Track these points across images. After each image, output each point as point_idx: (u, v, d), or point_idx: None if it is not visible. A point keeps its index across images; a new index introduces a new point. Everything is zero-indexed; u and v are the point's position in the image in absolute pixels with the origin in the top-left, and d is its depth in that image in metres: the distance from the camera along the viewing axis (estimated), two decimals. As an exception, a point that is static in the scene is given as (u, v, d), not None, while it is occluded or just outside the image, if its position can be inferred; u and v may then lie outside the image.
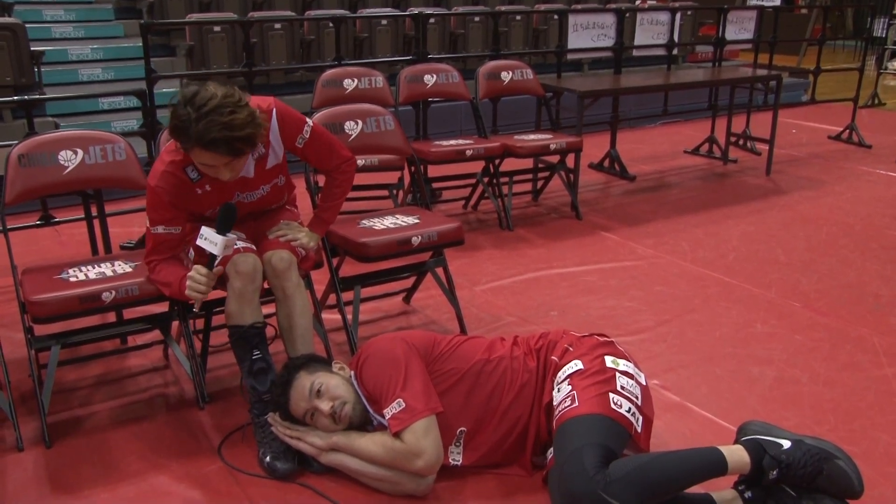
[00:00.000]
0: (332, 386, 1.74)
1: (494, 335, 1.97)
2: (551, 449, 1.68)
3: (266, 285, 1.97)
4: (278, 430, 1.80)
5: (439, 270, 2.65)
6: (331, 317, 2.66)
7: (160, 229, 1.78)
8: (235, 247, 1.89)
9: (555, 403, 1.67)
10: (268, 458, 1.80)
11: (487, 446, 1.77)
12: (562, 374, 1.72)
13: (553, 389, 1.72)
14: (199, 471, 1.83)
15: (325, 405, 1.72)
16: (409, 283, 2.91)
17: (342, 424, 1.74)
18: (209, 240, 1.72)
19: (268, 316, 2.10)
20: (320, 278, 2.63)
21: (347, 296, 2.52)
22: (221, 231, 1.72)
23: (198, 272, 1.75)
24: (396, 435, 1.66)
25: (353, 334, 2.38)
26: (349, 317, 2.43)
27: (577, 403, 1.59)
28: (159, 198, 1.77)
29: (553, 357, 1.79)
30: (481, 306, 2.87)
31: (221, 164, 1.71)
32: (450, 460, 1.77)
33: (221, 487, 1.77)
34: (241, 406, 2.09)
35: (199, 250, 1.84)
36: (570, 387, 1.65)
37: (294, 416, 1.78)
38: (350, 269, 2.68)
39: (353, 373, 1.79)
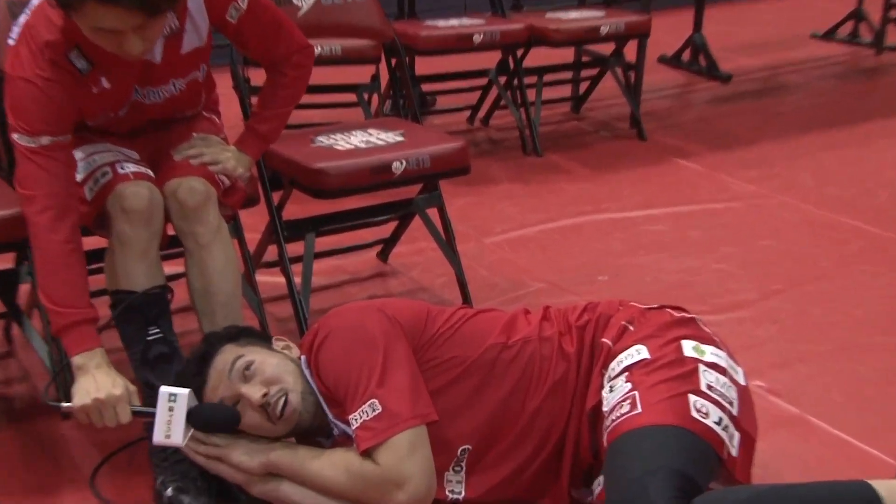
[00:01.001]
0: (269, 366, 1.72)
1: (515, 308, 1.91)
2: (600, 478, 1.69)
3: (170, 231, 1.96)
4: (188, 446, 1.78)
5: (432, 213, 2.63)
6: (269, 279, 2.66)
7: (45, 140, 1.69)
8: (122, 171, 1.86)
9: (605, 409, 1.65)
10: (169, 491, 1.79)
11: (503, 473, 1.76)
12: (617, 366, 1.70)
13: (603, 388, 1.70)
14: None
15: (254, 391, 1.69)
16: (386, 231, 2.90)
17: (283, 427, 1.72)
18: (171, 418, 1.68)
19: (172, 278, 2.07)
20: (254, 223, 2.60)
21: (295, 249, 2.49)
22: (205, 425, 1.72)
23: (118, 402, 1.70)
24: (367, 453, 1.63)
25: (304, 306, 2.37)
26: (297, 280, 2.41)
27: (639, 409, 1.57)
28: (41, 91, 1.68)
29: (604, 339, 1.76)
30: (495, 266, 2.87)
31: (130, 30, 1.62)
32: (446, 493, 1.76)
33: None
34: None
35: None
36: (629, 384, 1.63)
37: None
38: (299, 208, 2.63)
39: (304, 357, 1.78)
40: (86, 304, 1.74)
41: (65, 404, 1.72)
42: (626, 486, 1.48)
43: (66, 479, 1.88)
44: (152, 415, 1.68)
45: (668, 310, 1.80)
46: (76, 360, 1.72)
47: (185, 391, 1.68)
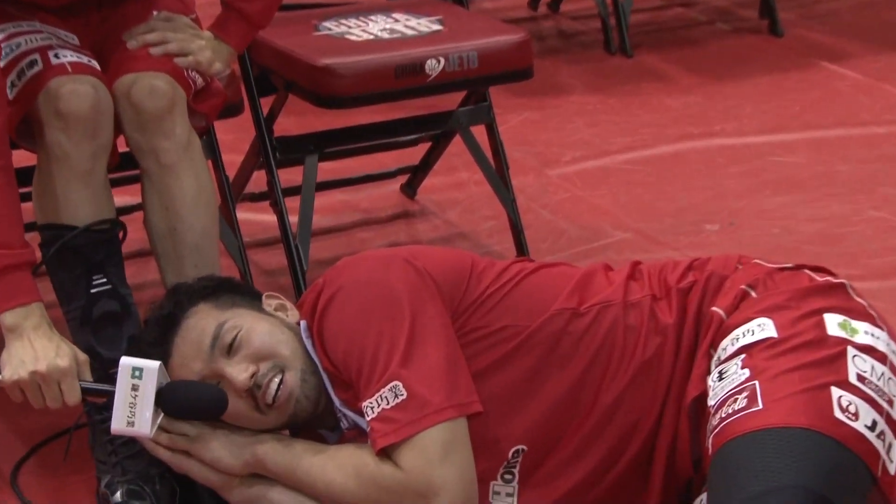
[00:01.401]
0: (258, 334, 1.75)
1: (591, 264, 1.90)
2: (702, 498, 1.70)
3: (123, 146, 1.98)
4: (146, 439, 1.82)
5: (478, 133, 2.62)
6: (255, 217, 2.67)
7: None
8: (57, 61, 1.86)
9: (712, 403, 1.68)
10: (118, 497, 1.83)
11: (568, 484, 1.76)
12: (731, 345, 1.69)
13: (710, 373, 1.72)
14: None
15: (240, 370, 1.72)
16: (415, 156, 2.90)
17: (275, 417, 1.75)
18: (136, 399, 1.71)
19: (125, 211, 2.09)
20: (235, 140, 2.60)
21: (291, 177, 2.49)
22: (181, 410, 1.75)
23: (63, 376, 1.72)
24: (386, 453, 1.66)
25: (301, 254, 2.40)
26: (292, 219, 2.42)
27: (760, 405, 1.57)
28: None
29: (715, 308, 1.75)
30: (562, 208, 2.86)
31: None
32: None
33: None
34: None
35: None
36: (746, 370, 1.63)
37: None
38: (297, 122, 2.66)
39: (304, 322, 1.81)
40: (19, 243, 1.77)
41: None
42: (739, 508, 1.48)
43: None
44: (110, 394, 1.71)
45: (807, 271, 1.79)
46: (6, 318, 1.75)
47: (155, 364, 1.71)
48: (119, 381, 1.70)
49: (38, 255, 1.84)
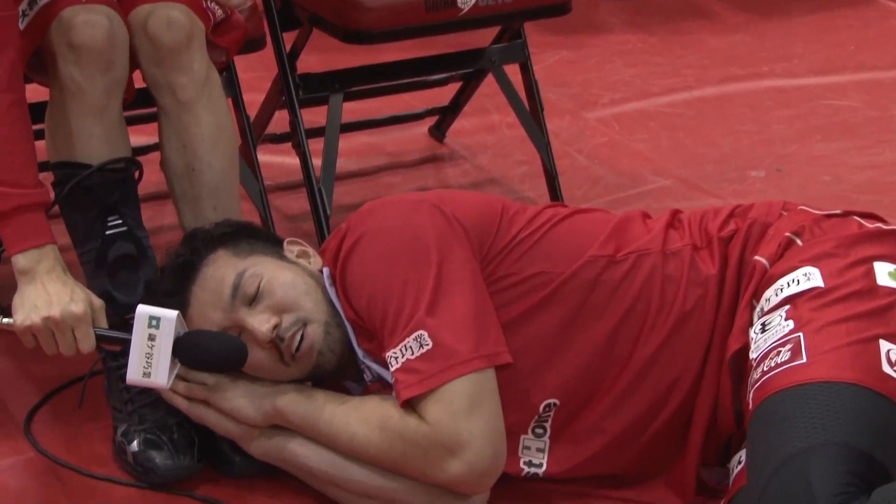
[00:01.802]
0: (280, 285, 1.77)
1: (628, 210, 1.91)
2: (742, 452, 1.71)
3: (139, 82, 1.99)
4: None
5: (512, 72, 2.61)
6: (276, 160, 2.67)
7: None
8: None
9: (753, 355, 1.67)
10: (134, 446, 1.85)
11: (603, 440, 1.79)
12: (774, 295, 1.70)
13: (752, 325, 1.72)
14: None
15: (262, 321, 1.74)
16: (445, 97, 2.89)
17: (297, 369, 1.77)
18: (153, 349, 1.71)
19: (140, 151, 2.09)
20: (256, 78, 2.59)
21: (315, 117, 2.49)
22: (199, 361, 1.76)
23: (77, 323, 1.73)
24: (410, 405, 1.68)
25: (325, 199, 2.41)
26: (316, 162, 2.42)
27: (804, 358, 1.58)
28: None
29: (758, 257, 1.77)
30: (599, 153, 2.86)
31: None
32: (521, 465, 1.80)
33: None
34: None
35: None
36: (790, 322, 1.64)
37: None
38: (322, 59, 2.64)
39: (326, 269, 1.82)
40: (33, 182, 1.78)
41: (3, 320, 1.77)
42: (776, 467, 1.49)
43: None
44: (126, 342, 1.73)
45: (856, 218, 1.79)
46: (19, 260, 1.76)
47: (173, 314, 1.72)
48: (135, 330, 1.71)
49: (52, 195, 1.85)
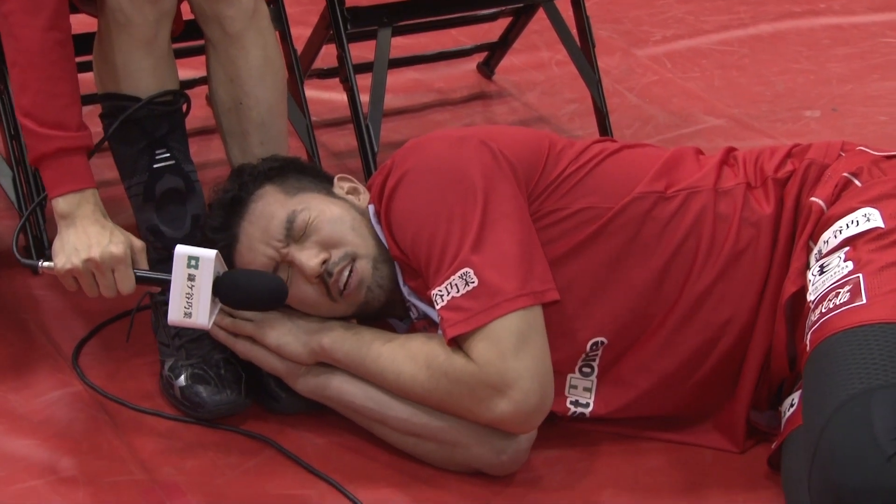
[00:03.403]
0: (329, 221, 1.78)
1: (680, 146, 1.89)
2: (794, 395, 1.71)
3: (187, 14, 1.99)
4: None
5: (563, 7, 2.60)
6: (323, 95, 2.68)
7: None
8: None
9: (811, 298, 1.66)
10: (182, 380, 1.87)
11: (650, 381, 1.80)
12: (833, 237, 1.70)
13: (810, 268, 1.71)
14: (32, 401, 1.91)
15: (310, 256, 1.75)
16: (494, 33, 2.88)
17: (345, 306, 1.79)
18: (192, 290, 1.72)
19: (188, 85, 2.10)
20: (302, 13, 2.60)
21: (362, 53, 2.49)
22: (239, 300, 1.78)
23: (117, 264, 1.74)
24: (457, 343, 1.68)
25: (372, 135, 2.41)
26: (363, 98, 2.42)
27: (863, 300, 1.57)
28: None
29: (815, 199, 1.76)
30: (650, 91, 2.85)
31: None
32: (567, 405, 1.81)
33: (78, 436, 1.85)
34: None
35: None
36: (850, 263, 1.63)
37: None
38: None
39: (372, 206, 1.83)
40: (76, 124, 1.79)
41: (44, 263, 1.79)
42: (836, 407, 1.48)
43: (38, 357, 1.98)
44: (166, 283, 1.74)
45: (918, 159, 1.78)
46: (60, 203, 1.78)
47: (212, 253, 1.73)
48: (175, 270, 1.72)
49: (97, 134, 1.85)
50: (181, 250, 1.72)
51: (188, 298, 1.73)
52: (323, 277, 1.74)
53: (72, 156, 1.78)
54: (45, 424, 1.87)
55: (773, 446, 1.72)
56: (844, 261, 1.64)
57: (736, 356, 1.78)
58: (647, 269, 1.76)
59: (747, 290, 1.76)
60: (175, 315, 1.73)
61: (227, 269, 1.77)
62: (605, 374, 1.80)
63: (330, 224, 1.77)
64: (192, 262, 1.72)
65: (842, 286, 1.61)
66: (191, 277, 1.72)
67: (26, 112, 1.77)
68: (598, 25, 2.70)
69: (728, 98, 2.83)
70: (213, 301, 1.74)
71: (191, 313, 1.73)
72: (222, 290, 1.74)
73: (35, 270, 1.79)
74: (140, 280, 1.77)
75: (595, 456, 1.82)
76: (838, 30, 3.11)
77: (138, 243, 1.79)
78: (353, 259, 1.75)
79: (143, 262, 1.79)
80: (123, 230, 1.78)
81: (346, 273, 1.74)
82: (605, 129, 2.59)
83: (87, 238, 1.75)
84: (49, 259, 1.77)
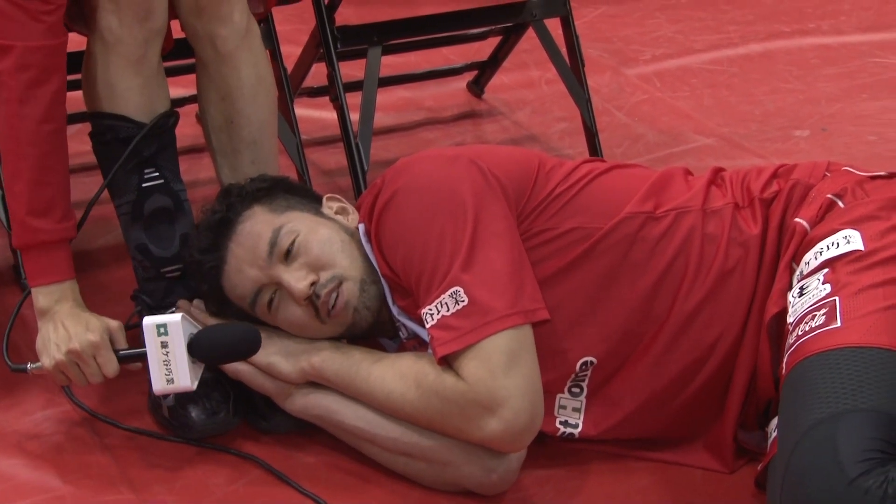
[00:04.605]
0: (317, 242, 1.78)
1: (669, 167, 1.90)
2: (777, 418, 1.70)
3: (176, 32, 1.99)
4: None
5: (553, 26, 2.61)
6: (313, 114, 2.69)
7: None
8: None
9: (791, 319, 1.65)
10: (170, 400, 1.86)
11: (638, 400, 1.80)
12: (813, 258, 1.69)
13: (791, 289, 1.71)
14: (20, 420, 1.92)
15: (298, 279, 1.75)
16: (484, 51, 2.89)
17: (333, 327, 1.79)
18: (168, 356, 1.73)
19: (177, 103, 2.10)
20: (293, 31, 2.60)
21: (352, 71, 2.50)
22: (214, 356, 1.80)
23: (98, 349, 1.77)
24: (447, 362, 1.68)
25: (362, 153, 2.41)
26: (353, 116, 2.43)
27: (838, 323, 1.57)
28: None
29: (798, 219, 1.76)
30: (640, 110, 2.86)
31: None
32: (556, 424, 1.81)
33: (67, 455, 1.85)
34: (122, 283, 2.14)
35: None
36: (827, 285, 1.63)
37: (234, 304, 1.84)
38: (360, 12, 2.66)
39: (362, 225, 1.83)
40: (62, 215, 1.81)
41: (31, 365, 1.82)
42: (803, 432, 1.49)
43: (27, 376, 1.95)
44: (145, 357, 1.75)
45: (901, 180, 1.77)
46: (39, 298, 1.81)
47: (177, 317, 1.73)
48: (147, 343, 1.73)
49: (86, 153, 1.87)
50: (148, 321, 1.74)
51: (167, 366, 1.74)
52: (311, 299, 1.74)
53: (55, 249, 1.81)
54: (34, 443, 1.88)
55: (759, 467, 1.72)
56: (823, 283, 1.64)
57: (723, 375, 1.78)
58: (637, 289, 1.76)
59: (735, 309, 1.75)
60: (158, 385, 1.75)
61: (197, 327, 1.78)
62: (594, 394, 1.80)
63: (318, 245, 1.77)
64: (161, 330, 1.73)
65: (818, 309, 1.61)
66: (164, 345, 1.73)
67: (15, 196, 1.80)
68: (587, 44, 2.71)
69: (718, 117, 2.84)
70: (192, 361, 1.74)
71: (172, 378, 1.74)
72: (197, 350, 1.75)
73: (27, 373, 1.83)
74: (122, 359, 1.79)
75: (584, 475, 1.81)
76: (827, 49, 3.12)
77: (114, 323, 1.81)
78: (340, 281, 1.75)
79: (122, 341, 1.82)
80: (98, 316, 1.81)
81: (333, 295, 1.74)
82: (594, 147, 2.59)
83: (65, 332, 1.78)
84: (35, 361, 1.81)
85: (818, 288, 1.64)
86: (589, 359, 1.78)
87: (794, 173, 1.81)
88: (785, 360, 1.62)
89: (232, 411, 1.86)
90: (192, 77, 2.03)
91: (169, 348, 1.73)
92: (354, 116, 2.42)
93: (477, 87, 2.93)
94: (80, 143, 2.01)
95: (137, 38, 1.86)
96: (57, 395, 1.96)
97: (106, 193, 1.94)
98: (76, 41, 1.97)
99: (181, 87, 2.26)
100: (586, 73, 2.61)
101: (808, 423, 1.49)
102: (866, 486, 1.41)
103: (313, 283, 1.74)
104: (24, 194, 1.79)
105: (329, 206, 1.87)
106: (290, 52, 2.50)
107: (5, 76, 1.77)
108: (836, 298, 1.60)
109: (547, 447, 1.81)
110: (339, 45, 2.42)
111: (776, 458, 1.58)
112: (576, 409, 1.80)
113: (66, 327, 1.78)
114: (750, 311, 1.76)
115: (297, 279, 1.74)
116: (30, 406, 1.95)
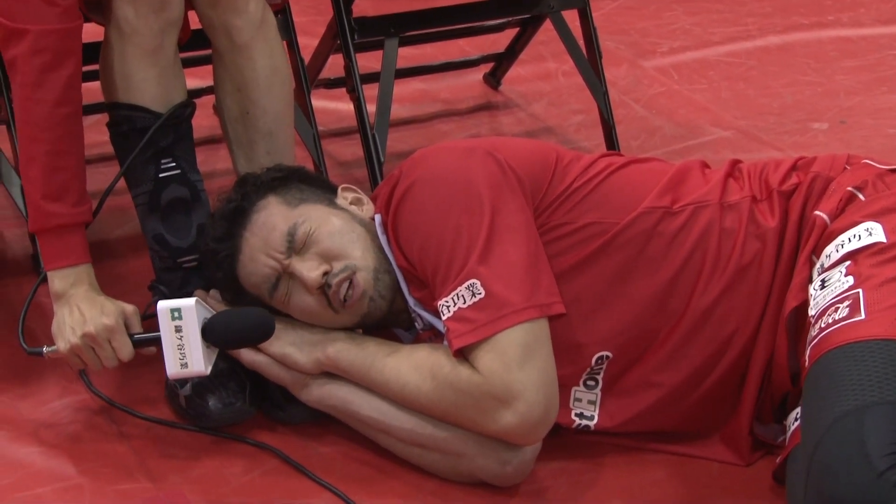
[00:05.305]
0: (329, 233, 1.78)
1: (687, 160, 1.90)
2: (796, 411, 1.71)
3: (193, 23, 1.99)
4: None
5: (570, 18, 2.61)
6: (330, 105, 2.68)
7: None
8: None
9: (812, 312, 1.66)
10: (187, 389, 1.87)
11: (655, 395, 1.80)
12: (835, 251, 1.69)
13: (812, 282, 1.71)
14: (38, 409, 1.93)
15: (310, 269, 1.76)
16: (500, 43, 2.89)
17: (347, 317, 1.79)
18: (182, 340, 1.74)
19: (194, 94, 2.11)
20: (309, 23, 2.60)
21: (369, 63, 2.49)
22: (228, 341, 1.80)
23: (112, 334, 1.78)
24: (463, 354, 1.69)
25: (378, 145, 2.41)
26: (370, 108, 2.44)
27: (863, 315, 1.57)
28: None
29: (818, 212, 1.76)
30: (657, 103, 2.86)
31: None
32: (572, 417, 1.81)
33: (84, 444, 1.86)
34: (139, 273, 2.15)
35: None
36: (850, 278, 1.63)
37: (250, 293, 1.85)
38: (376, 5, 2.64)
39: (378, 216, 1.84)
40: (77, 199, 1.82)
41: (48, 349, 1.82)
42: (829, 424, 1.48)
43: (45, 365, 1.98)
44: (160, 341, 1.76)
45: (922, 173, 1.77)
46: (55, 281, 1.82)
47: (191, 302, 1.74)
48: (161, 327, 1.74)
49: (104, 143, 1.87)
50: (162, 305, 1.75)
51: (181, 350, 1.74)
52: (324, 289, 1.75)
53: (70, 233, 1.82)
54: (51, 432, 1.89)
55: (777, 460, 1.72)
56: (845, 275, 1.64)
57: (739, 369, 1.78)
58: (653, 283, 1.76)
59: (752, 303, 1.76)
60: (172, 369, 1.75)
61: (212, 312, 1.78)
62: (609, 387, 1.80)
63: (330, 236, 1.77)
64: (176, 314, 1.73)
65: (841, 301, 1.60)
66: (178, 329, 1.73)
67: (31, 181, 1.81)
68: (605, 36, 2.70)
69: (735, 110, 2.83)
70: (206, 346, 1.75)
71: (187, 363, 1.74)
72: (210, 335, 1.75)
73: (43, 357, 1.83)
74: (137, 343, 1.80)
75: (600, 468, 1.82)
76: (846, 42, 3.11)
77: (129, 308, 1.81)
78: (353, 271, 1.75)
79: (137, 325, 1.82)
80: (113, 300, 1.81)
81: (345, 285, 1.74)
82: (611, 140, 2.59)
83: (80, 315, 1.78)
84: (51, 344, 1.81)
85: (840, 280, 1.64)
86: (604, 353, 1.78)
87: (814, 166, 1.81)
88: (808, 352, 1.62)
89: (248, 401, 1.86)
90: (210, 68, 2.03)
91: (183, 332, 1.73)
92: (371, 108, 2.43)
93: (493, 79, 2.93)
94: (98, 133, 2.01)
95: (153, 29, 1.86)
96: (74, 383, 1.96)
97: (123, 184, 1.95)
98: (95, 32, 1.97)
99: (198, 78, 2.27)
100: (603, 65, 2.60)
101: (833, 415, 1.48)
102: (895, 479, 1.41)
103: (325, 273, 1.74)
104: (38, 178, 1.80)
105: (344, 197, 1.87)
106: (307, 44, 2.51)
107: (20, 60, 1.77)
108: (860, 291, 1.60)
109: (562, 439, 1.81)
110: (356, 37, 2.42)
111: (798, 449, 1.58)
112: (591, 402, 1.81)
113: (81, 311, 1.78)
114: (767, 304, 1.76)
115: (309, 269, 1.75)
116: (47, 395, 1.96)
